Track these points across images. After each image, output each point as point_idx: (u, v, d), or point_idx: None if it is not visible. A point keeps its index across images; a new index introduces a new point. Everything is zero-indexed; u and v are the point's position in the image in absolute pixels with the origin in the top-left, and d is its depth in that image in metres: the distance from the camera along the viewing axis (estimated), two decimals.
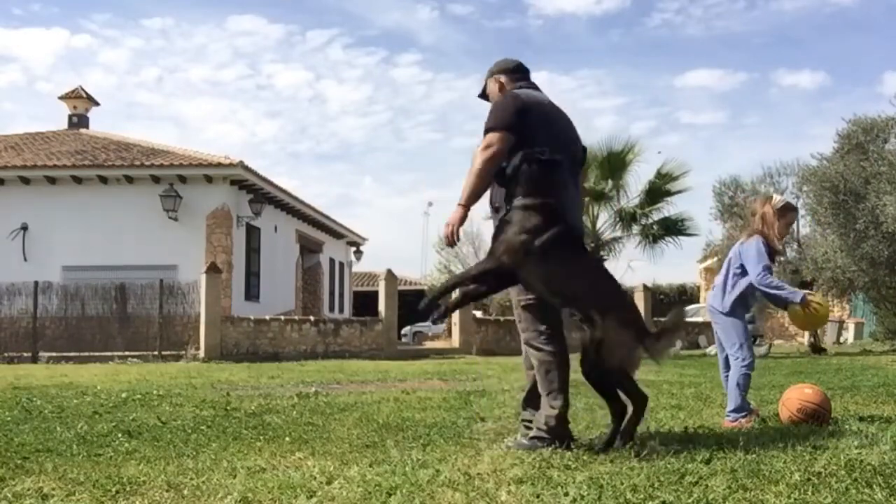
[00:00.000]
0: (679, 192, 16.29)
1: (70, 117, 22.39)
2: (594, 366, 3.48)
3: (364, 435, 4.24)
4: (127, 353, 16.17)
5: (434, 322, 3.61)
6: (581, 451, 3.51)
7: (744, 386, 4.54)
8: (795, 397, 4.46)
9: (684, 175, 16.19)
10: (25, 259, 17.85)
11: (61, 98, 22.59)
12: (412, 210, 79.50)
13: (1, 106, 65.43)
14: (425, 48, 66.34)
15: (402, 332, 28.24)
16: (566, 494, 2.68)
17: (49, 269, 17.46)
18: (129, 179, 18.13)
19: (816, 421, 4.24)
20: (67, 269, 17.67)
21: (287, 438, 4.15)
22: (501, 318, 19.45)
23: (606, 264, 16.13)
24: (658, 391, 6.82)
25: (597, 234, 16.09)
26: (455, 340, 18.58)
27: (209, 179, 18.13)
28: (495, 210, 3.86)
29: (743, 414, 4.48)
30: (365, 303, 27.79)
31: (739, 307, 4.66)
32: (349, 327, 17.56)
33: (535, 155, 3.57)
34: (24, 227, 18.00)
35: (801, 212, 16.30)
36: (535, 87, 4.01)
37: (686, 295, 32.81)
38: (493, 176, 3.70)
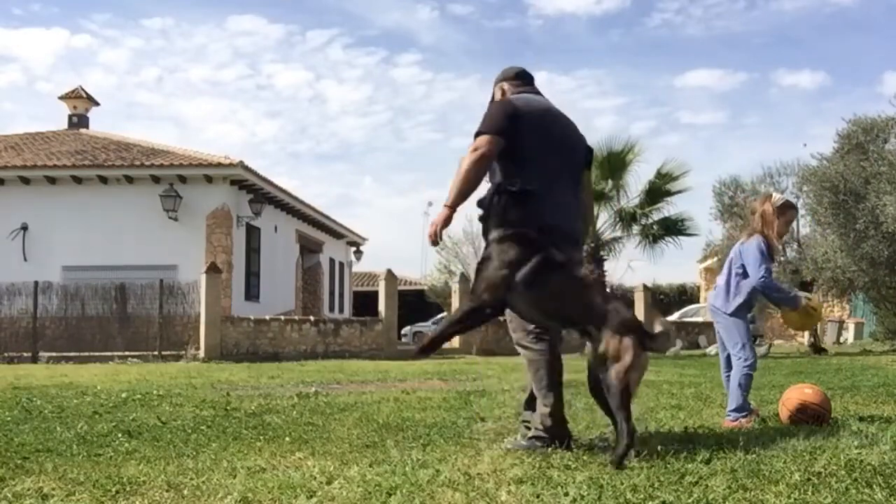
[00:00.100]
0: (679, 192, 16.31)
1: (70, 117, 22.40)
2: (598, 382, 3.41)
3: (364, 435, 4.24)
4: (127, 353, 16.17)
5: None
6: (581, 451, 3.51)
7: (745, 386, 4.54)
8: (795, 397, 4.46)
9: (684, 175, 16.21)
10: (25, 259, 17.86)
11: (61, 98, 22.60)
12: (412, 210, 79.53)
13: (1, 106, 65.47)
14: (425, 48, 66.41)
15: (402, 332, 28.24)
16: (566, 494, 2.68)
17: (49, 269, 17.46)
18: (129, 179, 18.13)
19: (816, 421, 4.24)
20: (67, 269, 17.68)
21: (287, 438, 4.15)
22: (501, 318, 19.41)
23: (606, 264, 16.27)
24: (658, 391, 6.82)
25: (597, 234, 16.09)
26: (455, 340, 18.58)
27: (209, 179, 18.13)
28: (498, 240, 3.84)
29: (744, 414, 4.48)
30: (365, 303, 27.80)
31: (743, 307, 4.67)
32: (349, 327, 17.56)
33: (505, 187, 3.55)
34: (24, 227, 18.01)
35: (801, 212, 16.30)
36: (537, 93, 4.02)
37: (686, 295, 32.82)
38: (480, 178, 3.69)
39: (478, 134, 3.71)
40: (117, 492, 2.90)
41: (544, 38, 64.63)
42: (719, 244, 18.49)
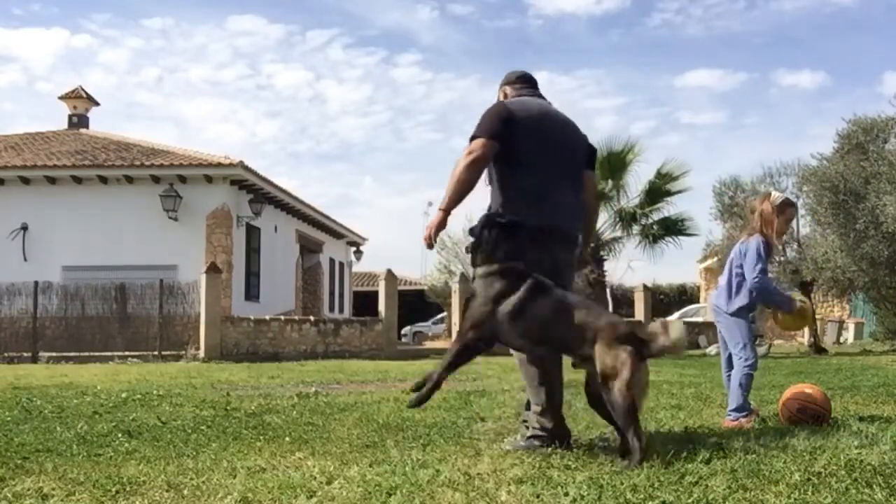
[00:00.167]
0: (679, 192, 16.32)
1: (70, 117, 22.40)
2: (598, 397, 3.39)
3: (364, 435, 4.24)
4: (127, 353, 16.17)
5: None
6: (581, 451, 3.51)
7: (746, 386, 4.55)
8: (796, 397, 4.46)
9: (684, 175, 16.22)
10: (25, 259, 17.86)
11: (61, 98, 22.60)
12: (412, 210, 79.52)
13: (1, 106, 65.48)
14: (425, 48, 66.44)
15: (402, 332, 28.24)
16: (566, 494, 2.68)
17: (49, 269, 17.46)
18: (129, 179, 18.13)
19: (816, 421, 4.23)
20: (67, 269, 17.68)
21: (287, 438, 4.15)
22: None
23: (606, 264, 16.26)
24: (658, 391, 6.82)
25: (597, 235, 16.09)
26: None
27: (209, 179, 18.13)
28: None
29: (744, 413, 4.48)
30: (365, 303, 27.80)
31: (745, 308, 4.67)
32: (349, 327, 17.55)
33: (495, 220, 3.57)
34: (24, 227, 18.01)
35: (801, 212, 16.30)
36: (538, 96, 4.04)
37: (686, 295, 32.83)
38: (474, 182, 3.71)
39: (472, 137, 3.74)
40: (117, 492, 2.90)
41: (544, 38, 64.69)
42: (719, 244, 18.48)
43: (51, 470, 3.33)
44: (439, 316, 28.61)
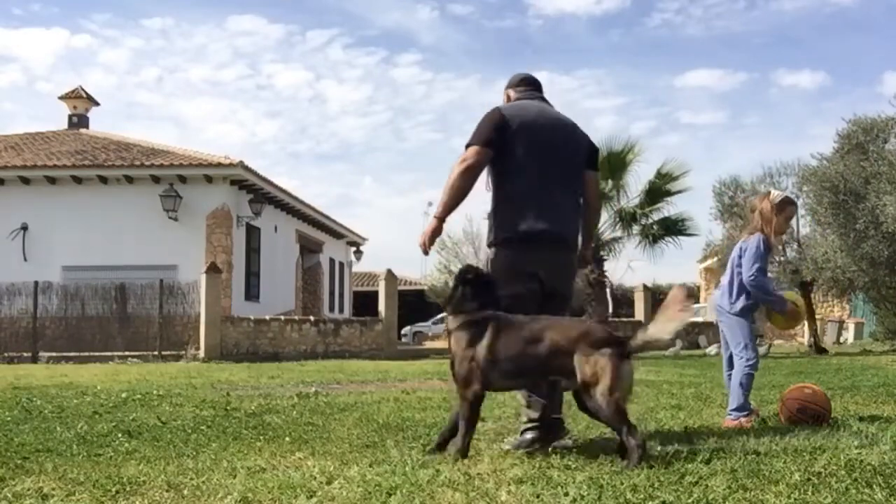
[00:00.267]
0: (679, 192, 16.32)
1: (70, 117, 22.39)
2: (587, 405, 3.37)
3: (364, 435, 4.24)
4: (127, 353, 16.17)
5: None
6: (581, 451, 3.51)
7: (746, 385, 4.55)
8: (796, 397, 4.46)
9: (684, 175, 16.22)
10: (25, 259, 17.86)
11: (61, 98, 22.59)
12: (412, 210, 79.55)
13: (1, 106, 65.49)
14: (425, 48, 66.45)
15: (402, 332, 28.26)
16: (566, 494, 2.68)
17: (49, 269, 17.46)
18: (129, 179, 18.13)
19: (816, 421, 4.24)
20: (67, 269, 17.68)
21: (287, 438, 4.15)
22: None
23: (606, 264, 16.25)
24: (658, 391, 6.82)
25: (597, 235, 16.10)
26: None
27: (209, 179, 18.13)
28: (489, 245, 3.96)
29: (744, 413, 4.49)
30: (365, 303, 27.81)
31: (749, 308, 4.67)
32: (349, 327, 17.55)
33: (464, 276, 3.62)
34: (24, 227, 18.01)
35: (801, 212, 16.29)
36: (539, 98, 4.06)
37: None
38: (468, 189, 3.77)
39: (467, 145, 3.80)
40: (117, 492, 2.90)
41: (544, 38, 64.70)
42: (719, 244, 18.47)
43: (51, 470, 3.33)
44: (439, 316, 28.60)
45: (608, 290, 17.21)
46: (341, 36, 67.08)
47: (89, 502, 2.78)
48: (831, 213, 14.42)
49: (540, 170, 3.81)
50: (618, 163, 15.71)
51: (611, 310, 18.31)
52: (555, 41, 64.64)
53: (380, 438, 4.07)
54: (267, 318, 17.23)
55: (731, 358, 4.73)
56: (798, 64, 65.36)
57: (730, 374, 4.71)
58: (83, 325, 17.05)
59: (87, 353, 16.06)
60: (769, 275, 4.90)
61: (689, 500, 2.59)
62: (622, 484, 2.79)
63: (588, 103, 63.36)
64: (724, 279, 4.83)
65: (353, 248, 29.70)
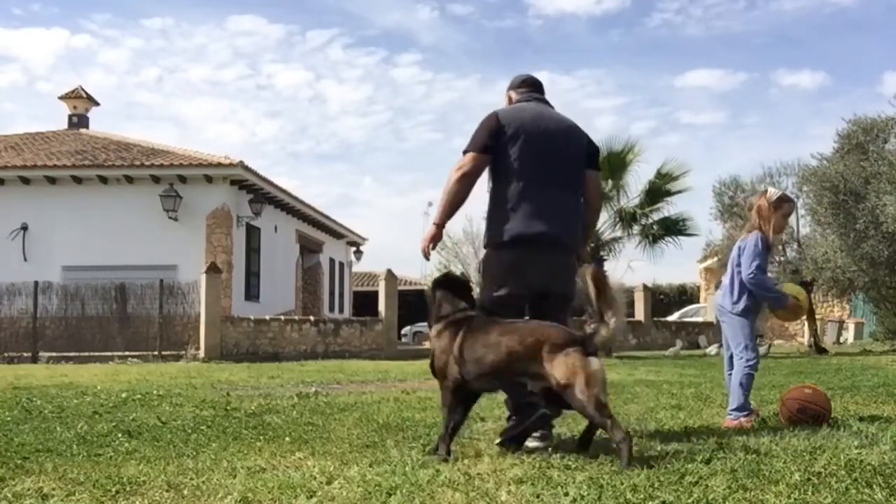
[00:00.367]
0: (679, 192, 16.29)
1: (70, 117, 22.39)
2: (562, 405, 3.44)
3: (364, 435, 4.24)
4: (127, 353, 16.17)
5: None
6: (581, 451, 3.51)
7: (747, 385, 4.55)
8: (796, 397, 4.46)
9: (684, 175, 16.19)
10: (25, 259, 17.86)
11: (61, 98, 22.59)
12: (412, 210, 79.54)
13: (1, 106, 65.50)
14: (425, 48, 66.45)
15: (402, 332, 28.24)
16: (566, 494, 2.68)
17: (49, 269, 17.46)
18: (129, 179, 18.13)
19: (816, 421, 4.23)
20: (67, 269, 17.68)
21: (287, 438, 4.15)
22: None
23: (606, 264, 16.25)
24: (658, 391, 6.82)
25: (597, 234, 16.09)
26: None
27: (209, 179, 18.13)
28: (483, 246, 4.09)
29: (744, 413, 4.48)
30: (365, 303, 27.80)
31: (751, 308, 4.66)
32: (349, 327, 17.56)
33: (438, 281, 3.79)
34: (24, 227, 18.01)
35: (801, 212, 16.30)
36: (539, 100, 4.09)
37: (686, 295, 32.83)
38: (465, 195, 3.87)
39: (464, 151, 3.88)
40: (117, 492, 2.90)
41: (544, 38, 64.71)
42: (719, 244, 18.48)
43: (51, 470, 3.33)
44: None
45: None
46: (341, 36, 67.14)
47: (89, 502, 2.79)
48: (831, 213, 14.43)
49: (535, 172, 3.84)
50: (618, 163, 15.69)
51: None
52: (555, 41, 64.70)
53: (380, 438, 4.07)
54: (267, 318, 17.23)
55: (732, 358, 4.73)
56: (798, 64, 65.42)
57: (731, 374, 4.71)
58: (83, 325, 17.05)
59: (87, 353, 16.05)
60: (769, 275, 4.90)
61: (689, 500, 2.59)
62: (622, 484, 2.79)
63: (588, 103, 63.41)
64: (725, 279, 4.83)
65: (353, 248, 29.70)
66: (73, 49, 62.89)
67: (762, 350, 14.41)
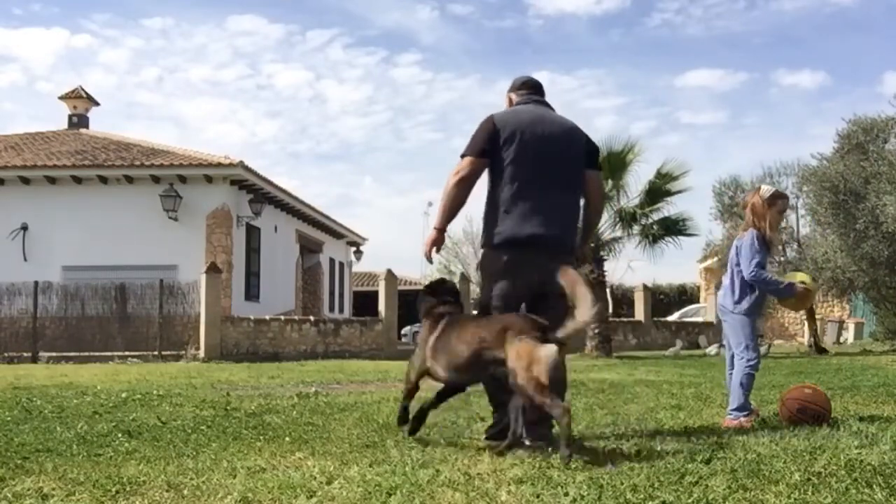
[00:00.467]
0: (679, 192, 16.27)
1: (70, 117, 22.39)
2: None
3: (364, 435, 4.24)
4: (127, 353, 16.17)
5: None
6: (581, 451, 3.51)
7: (747, 385, 4.54)
8: (796, 397, 4.46)
9: (684, 175, 16.17)
10: (25, 259, 17.85)
11: (61, 98, 22.59)
12: (412, 210, 79.36)
13: (1, 106, 65.49)
14: (425, 48, 66.43)
15: (402, 332, 28.23)
16: (566, 494, 2.68)
17: (49, 269, 17.46)
18: (129, 179, 18.13)
19: (816, 421, 4.23)
20: (67, 269, 17.68)
21: (287, 438, 4.15)
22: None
23: (606, 264, 16.24)
24: (658, 391, 6.82)
25: (597, 235, 16.08)
26: None
27: (209, 179, 18.13)
28: (481, 247, 4.24)
29: (744, 413, 4.48)
30: (365, 303, 27.79)
31: (754, 308, 4.65)
32: (349, 327, 17.56)
33: (425, 287, 4.06)
34: (24, 227, 18.01)
35: (801, 212, 16.32)
36: (537, 101, 4.12)
37: (686, 295, 32.83)
38: (463, 199, 3.98)
39: (462, 156, 3.97)
40: (117, 492, 2.90)
41: (544, 38, 64.70)
42: (719, 244, 18.48)
43: (51, 470, 3.33)
44: None
45: (608, 291, 17.20)
46: (341, 36, 67.13)
47: (89, 502, 2.79)
48: (831, 213, 14.42)
49: (531, 174, 3.89)
50: (618, 163, 15.67)
51: (610, 310, 18.31)
52: (555, 41, 64.68)
53: (380, 438, 4.07)
54: (267, 318, 17.23)
55: (734, 357, 4.72)
56: (798, 64, 65.39)
57: (731, 374, 4.70)
58: (83, 325, 17.05)
59: (87, 353, 16.05)
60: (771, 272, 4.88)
61: (689, 500, 2.59)
62: (622, 484, 2.79)
63: (588, 103, 63.38)
64: (725, 279, 4.83)
65: (353, 248, 29.70)
66: (73, 49, 62.93)
67: (762, 350, 14.41)
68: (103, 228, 17.70)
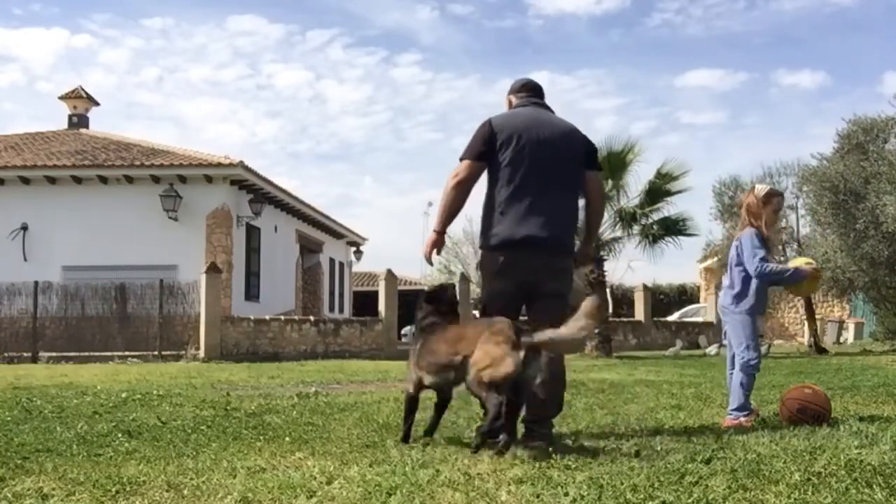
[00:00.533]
0: (679, 192, 16.26)
1: (70, 117, 22.38)
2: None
3: (364, 435, 4.24)
4: (127, 353, 16.17)
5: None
6: (581, 451, 3.51)
7: (747, 385, 4.54)
8: (796, 397, 4.46)
9: (684, 175, 16.16)
10: (25, 259, 17.85)
11: (61, 98, 22.58)
12: (412, 210, 79.44)
13: (1, 106, 65.48)
14: (425, 48, 66.46)
15: (402, 332, 28.22)
16: (566, 494, 2.68)
17: (49, 269, 17.45)
18: (129, 179, 18.13)
19: (816, 421, 4.23)
20: (67, 269, 17.67)
21: (287, 438, 4.15)
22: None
23: (606, 264, 16.24)
24: (658, 391, 6.82)
25: (597, 234, 16.06)
26: None
27: (209, 179, 18.12)
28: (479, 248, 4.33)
29: (744, 413, 4.48)
30: (365, 303, 27.78)
31: (756, 307, 4.64)
32: (349, 327, 17.55)
33: (425, 294, 4.13)
34: (24, 227, 18.00)
35: (801, 212, 16.31)
36: (535, 104, 4.16)
37: (686, 295, 32.82)
38: (461, 202, 4.03)
39: (460, 159, 4.04)
40: (117, 492, 2.90)
41: (544, 38, 64.72)
42: (719, 244, 18.48)
43: (51, 470, 3.33)
44: None
45: (608, 291, 17.19)
46: (341, 36, 67.15)
47: (89, 502, 2.78)
48: (831, 213, 14.42)
49: (527, 176, 3.93)
50: (618, 163, 15.66)
51: (610, 310, 18.30)
52: (555, 41, 64.70)
53: (380, 438, 4.07)
54: (267, 318, 17.23)
55: (734, 357, 4.72)
56: (798, 64, 65.41)
57: (732, 373, 4.70)
58: (83, 325, 17.05)
59: (87, 353, 16.04)
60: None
61: (689, 500, 2.59)
62: (622, 484, 2.79)
63: (588, 103, 63.41)
64: (726, 280, 4.83)
65: (353, 248, 29.69)
66: (73, 49, 62.93)
67: (762, 350, 14.40)
68: (103, 228, 17.69)
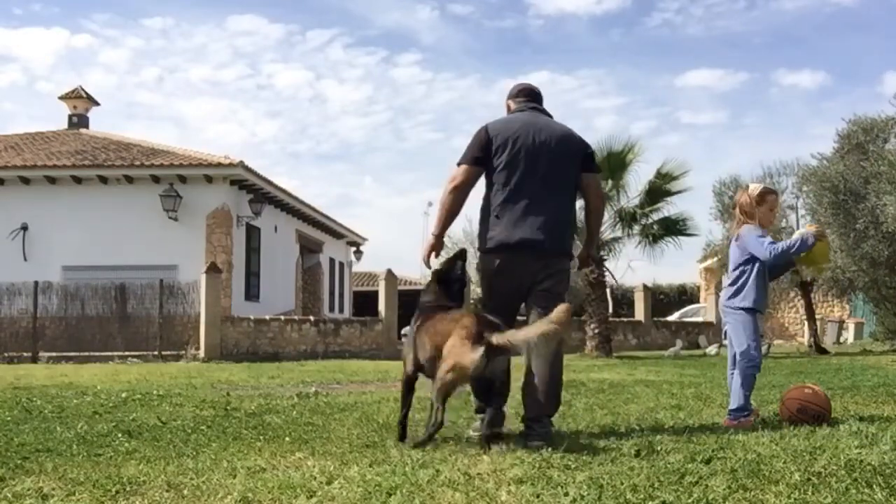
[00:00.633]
0: (679, 192, 16.26)
1: (70, 117, 22.38)
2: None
3: (364, 435, 4.24)
4: (127, 353, 16.17)
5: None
6: (581, 451, 3.51)
7: (748, 386, 4.54)
8: (796, 397, 4.46)
9: (684, 175, 16.16)
10: (25, 259, 17.85)
11: (61, 98, 22.58)
12: (412, 210, 79.48)
13: (1, 106, 65.47)
14: (425, 48, 66.43)
15: (402, 332, 28.20)
16: (566, 494, 2.68)
17: (49, 269, 17.45)
18: (129, 179, 18.13)
19: (816, 421, 4.23)
20: (67, 269, 17.67)
21: (287, 438, 4.15)
22: None
23: (606, 264, 16.23)
24: (658, 391, 6.82)
25: (598, 236, 16.06)
26: None
27: (209, 179, 18.12)
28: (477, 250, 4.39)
29: (744, 413, 4.48)
30: (365, 303, 27.77)
31: (754, 307, 4.63)
32: (349, 327, 17.55)
33: (435, 273, 4.14)
34: (24, 227, 18.00)
35: (801, 212, 16.30)
36: (532, 108, 4.23)
37: (686, 295, 32.82)
38: (459, 206, 4.11)
39: (458, 164, 4.11)
40: (117, 492, 2.90)
41: (545, 38, 64.70)
42: (719, 244, 18.45)
43: (51, 470, 3.33)
44: None
45: (608, 291, 17.18)
46: (341, 36, 67.11)
47: (89, 502, 2.79)
48: (831, 213, 14.41)
49: (522, 180, 4.01)
50: (618, 163, 15.66)
51: (610, 310, 18.29)
52: (555, 41, 64.68)
53: (380, 438, 4.07)
54: (267, 318, 17.23)
55: (735, 356, 4.71)
56: (798, 64, 65.39)
57: (733, 373, 4.70)
58: (83, 325, 17.05)
59: (87, 353, 16.04)
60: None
61: (689, 500, 2.59)
62: (622, 484, 2.79)
63: (588, 103, 63.42)
64: (726, 280, 4.82)
65: (353, 248, 29.69)
66: (73, 49, 62.93)
67: (762, 350, 14.38)
68: (103, 228, 17.69)
